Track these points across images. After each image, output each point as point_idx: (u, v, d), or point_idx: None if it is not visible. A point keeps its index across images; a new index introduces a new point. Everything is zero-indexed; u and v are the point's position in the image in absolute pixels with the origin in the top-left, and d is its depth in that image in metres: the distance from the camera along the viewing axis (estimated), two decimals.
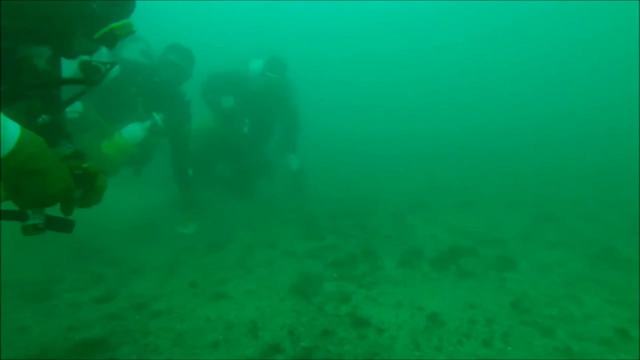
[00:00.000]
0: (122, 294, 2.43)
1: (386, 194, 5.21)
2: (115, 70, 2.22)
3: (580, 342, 1.88)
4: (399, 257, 2.97)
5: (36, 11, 1.07)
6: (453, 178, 6.21)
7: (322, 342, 1.96)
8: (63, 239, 3.49)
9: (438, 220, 4.02)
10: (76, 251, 3.16)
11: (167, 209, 3.98)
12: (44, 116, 1.27)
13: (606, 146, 8.16)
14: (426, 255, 2.98)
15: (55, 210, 1.01)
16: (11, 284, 2.51)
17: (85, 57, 1.22)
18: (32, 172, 0.84)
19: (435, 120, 11.49)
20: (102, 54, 3.58)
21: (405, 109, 12.90)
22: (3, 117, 0.77)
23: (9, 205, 0.97)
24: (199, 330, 2.04)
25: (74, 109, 2.79)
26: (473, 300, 2.31)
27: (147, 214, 4.15)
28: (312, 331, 2.04)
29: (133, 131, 2.96)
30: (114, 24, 1.22)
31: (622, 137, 8.52)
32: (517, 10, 15.92)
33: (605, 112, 10.12)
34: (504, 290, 2.43)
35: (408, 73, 15.84)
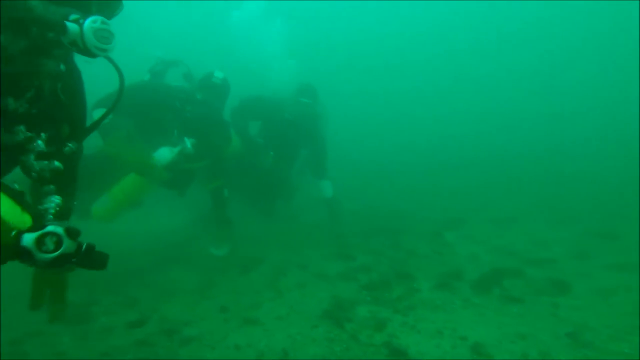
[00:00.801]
0: (154, 318, 2.43)
1: (420, 208, 5.00)
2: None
3: None
4: (437, 279, 2.79)
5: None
6: (491, 189, 5.87)
7: None
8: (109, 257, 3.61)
9: (478, 237, 3.77)
10: (112, 272, 3.23)
11: (199, 228, 4.02)
12: (70, 144, 1.26)
13: None
14: (466, 277, 2.78)
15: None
16: None
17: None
18: None
19: (454, 126, 11.06)
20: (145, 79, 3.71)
21: (418, 116, 12.54)
22: None
23: None
24: (229, 359, 1.98)
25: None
26: (523, 329, 2.10)
27: (180, 234, 4.22)
28: None
29: (162, 154, 3.02)
30: None
31: None
32: (522, 13, 15.34)
33: None
34: (558, 318, 2.19)
35: (417, 80, 15.48)
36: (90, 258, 1.03)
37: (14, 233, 0.99)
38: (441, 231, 3.99)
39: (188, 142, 3.12)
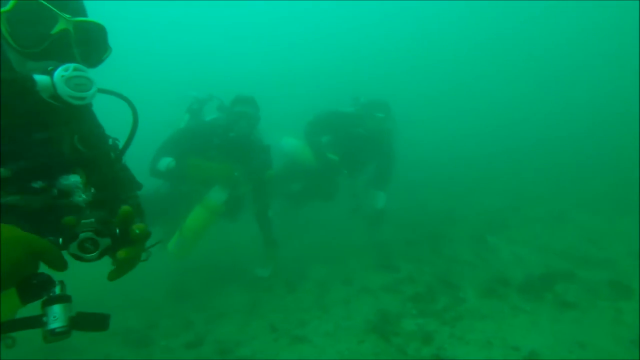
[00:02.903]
0: (209, 339, 2.57)
1: (463, 210, 4.86)
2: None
3: None
4: (482, 286, 2.73)
5: None
6: (540, 180, 5.57)
7: None
8: (158, 280, 3.86)
9: (525, 238, 3.63)
10: (168, 293, 3.47)
11: (248, 247, 4.17)
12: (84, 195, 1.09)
13: None
14: (514, 283, 2.69)
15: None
16: (120, 331, 2.80)
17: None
18: None
19: (488, 121, 10.64)
20: (184, 120, 3.96)
21: (449, 114, 12.19)
22: None
23: None
24: None
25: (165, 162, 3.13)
26: (581, 337, 2.01)
27: (229, 253, 4.41)
28: None
29: (217, 194, 3.22)
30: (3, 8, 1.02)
31: None
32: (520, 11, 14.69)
33: None
34: (621, 324, 2.07)
35: (437, 79, 15.13)
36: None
37: None
38: (483, 234, 3.88)
39: (236, 174, 3.28)
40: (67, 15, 1.09)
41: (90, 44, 1.16)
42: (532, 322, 2.22)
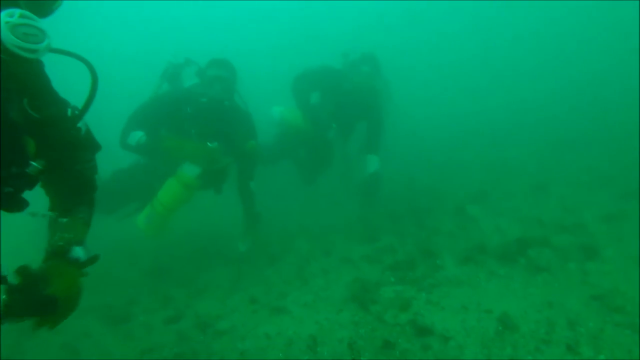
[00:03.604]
0: (188, 314, 2.57)
1: (449, 184, 4.89)
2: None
3: None
4: (461, 254, 2.77)
5: None
6: (524, 157, 5.63)
7: (383, 355, 1.88)
8: (138, 258, 3.82)
9: (505, 209, 3.67)
10: (149, 269, 3.44)
11: (233, 220, 4.12)
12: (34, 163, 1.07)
13: None
14: (491, 250, 2.74)
15: None
16: (98, 307, 2.77)
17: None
18: None
19: (476, 99, 10.71)
20: (162, 87, 3.78)
21: (440, 90, 12.20)
22: None
23: None
24: (260, 348, 2.08)
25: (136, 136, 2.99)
26: (550, 298, 2.07)
27: (214, 226, 4.38)
28: (373, 343, 1.97)
29: (190, 167, 3.09)
30: None
31: None
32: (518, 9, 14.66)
33: None
34: (587, 284, 2.14)
35: (434, 55, 15.10)
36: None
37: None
38: (465, 205, 3.92)
39: (211, 147, 3.11)
40: None
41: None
42: (505, 286, 2.28)
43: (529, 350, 1.75)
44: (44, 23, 0.98)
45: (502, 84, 11.83)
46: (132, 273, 3.40)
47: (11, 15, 0.90)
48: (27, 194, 1.12)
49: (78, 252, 1.16)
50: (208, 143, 3.04)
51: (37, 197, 1.24)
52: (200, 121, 3.12)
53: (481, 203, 3.98)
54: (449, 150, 7.16)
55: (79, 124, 1.25)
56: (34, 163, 1.07)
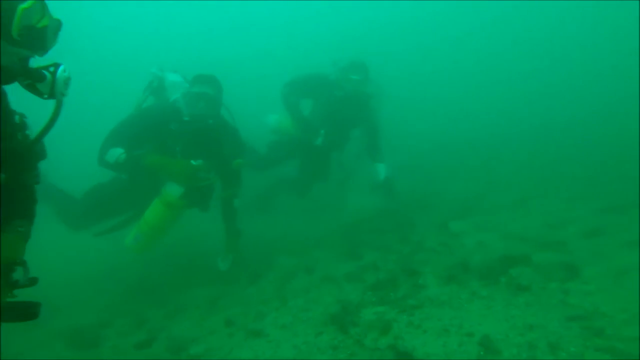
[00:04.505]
0: (162, 337, 2.46)
1: (435, 197, 4.89)
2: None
3: None
4: (444, 272, 2.73)
5: None
6: (512, 170, 5.68)
7: None
8: (118, 276, 3.70)
9: (490, 224, 3.66)
10: (126, 289, 3.33)
11: (217, 238, 4.03)
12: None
13: None
14: (473, 268, 2.71)
15: None
16: (67, 331, 2.65)
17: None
18: None
19: (464, 112, 10.87)
20: (148, 101, 3.68)
21: (428, 101, 12.35)
22: None
23: None
24: None
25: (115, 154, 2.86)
26: (531, 320, 2.03)
27: (197, 244, 4.28)
28: None
29: (173, 187, 3.01)
30: (21, 5, 1.14)
31: None
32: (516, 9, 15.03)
33: None
34: (568, 305, 2.11)
35: (426, 66, 15.31)
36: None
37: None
38: (450, 220, 3.90)
39: (195, 164, 3.02)
40: (50, 13, 1.22)
41: (54, 39, 1.28)
42: (487, 307, 2.24)
43: None
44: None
45: (498, 92, 12.02)
46: (108, 293, 3.28)
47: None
48: None
49: (18, 273, 1.12)
50: (192, 161, 2.95)
51: None
52: (184, 139, 3.05)
53: (466, 218, 3.97)
54: (438, 161, 7.21)
55: (27, 132, 1.31)
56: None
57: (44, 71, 1.13)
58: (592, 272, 2.37)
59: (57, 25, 1.27)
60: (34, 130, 1.31)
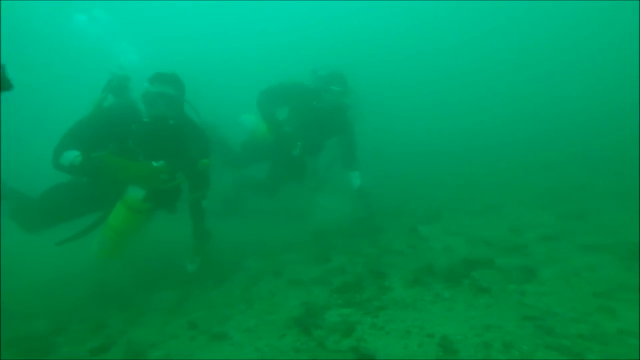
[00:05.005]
0: (120, 342, 2.37)
1: (411, 204, 4.97)
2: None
3: None
4: (409, 275, 2.77)
5: None
6: (487, 178, 5.86)
7: None
8: (77, 281, 3.55)
9: (457, 229, 3.76)
10: (87, 293, 3.20)
11: (184, 240, 3.94)
12: None
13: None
14: (438, 271, 2.76)
15: None
16: (18, 339, 2.51)
17: None
18: None
19: (449, 119, 11.17)
20: (108, 100, 3.60)
21: (411, 108, 12.62)
22: None
23: None
24: None
25: (70, 157, 2.73)
26: (489, 320, 2.08)
27: (163, 246, 4.17)
28: None
29: (135, 190, 2.90)
30: None
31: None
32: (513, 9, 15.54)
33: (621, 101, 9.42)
34: (524, 306, 2.18)
35: (410, 73, 15.62)
36: None
37: None
38: (419, 225, 3.97)
39: (156, 166, 2.91)
40: None
41: None
42: (448, 309, 2.28)
43: None
44: None
45: (482, 103, 12.36)
46: (65, 298, 3.14)
47: None
48: None
49: None
50: (153, 162, 2.86)
51: None
52: (145, 140, 2.96)
53: (435, 222, 4.05)
54: (415, 169, 7.36)
55: None
56: None
57: None
58: (547, 274, 2.46)
59: None
60: None
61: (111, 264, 3.67)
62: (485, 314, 2.16)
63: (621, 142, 6.30)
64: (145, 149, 2.96)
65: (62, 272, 3.81)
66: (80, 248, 3.12)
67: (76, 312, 2.93)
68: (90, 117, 3.00)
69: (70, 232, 3.02)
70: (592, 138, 7.28)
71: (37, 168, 3.93)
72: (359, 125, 4.75)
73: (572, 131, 8.19)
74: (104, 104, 3.25)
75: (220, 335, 2.32)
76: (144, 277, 3.50)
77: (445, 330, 2.06)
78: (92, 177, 2.76)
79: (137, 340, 2.38)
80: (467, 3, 15.78)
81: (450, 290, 2.50)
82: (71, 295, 3.32)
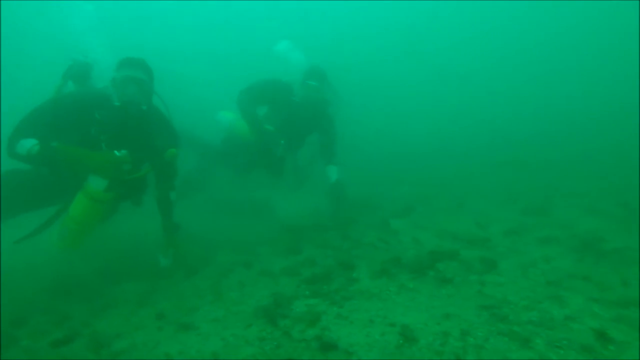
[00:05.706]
0: (84, 334, 2.33)
1: (386, 199, 5.06)
2: None
3: (559, 351, 1.73)
4: (377, 267, 2.84)
5: None
6: (458, 177, 6.02)
7: None
8: (39, 272, 3.45)
9: (428, 223, 3.86)
10: (49, 284, 3.12)
11: (155, 232, 3.88)
12: None
13: (605, 134, 7.82)
14: (405, 263, 2.84)
15: None
16: None
17: None
18: None
19: (430, 119, 11.37)
20: (69, 86, 3.49)
21: (396, 107, 12.77)
22: None
23: None
24: None
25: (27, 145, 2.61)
26: (449, 310, 2.17)
27: (133, 238, 4.10)
28: None
29: (96, 180, 2.79)
30: None
31: (619, 127, 8.14)
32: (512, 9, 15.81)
33: (603, 103, 9.84)
34: (482, 295, 2.28)
35: (398, 73, 15.76)
36: None
37: None
38: (390, 219, 4.06)
39: (119, 155, 2.80)
40: None
41: None
42: (412, 299, 2.36)
43: None
44: None
45: (486, 101, 12.53)
46: (25, 290, 3.05)
47: None
48: None
49: None
50: (115, 152, 2.76)
51: None
52: (111, 127, 2.85)
53: (406, 217, 4.15)
54: (390, 166, 7.47)
55: None
56: None
57: None
58: (506, 266, 2.58)
59: None
60: None
61: (73, 255, 3.59)
62: (446, 304, 2.25)
63: (621, 142, 6.56)
64: (109, 137, 2.85)
65: (22, 263, 3.68)
66: (41, 238, 3.03)
67: (37, 304, 2.85)
68: (49, 103, 2.85)
69: (29, 225, 2.92)
70: (592, 138, 7.55)
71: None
72: (339, 120, 4.79)
73: (569, 132, 8.45)
74: (64, 91, 3.14)
75: (187, 325, 2.32)
76: (111, 269, 3.42)
77: (407, 320, 2.13)
78: (51, 167, 2.65)
79: (101, 331, 2.35)
80: (467, 3, 15.99)
81: (415, 281, 2.58)
82: (32, 286, 3.22)
